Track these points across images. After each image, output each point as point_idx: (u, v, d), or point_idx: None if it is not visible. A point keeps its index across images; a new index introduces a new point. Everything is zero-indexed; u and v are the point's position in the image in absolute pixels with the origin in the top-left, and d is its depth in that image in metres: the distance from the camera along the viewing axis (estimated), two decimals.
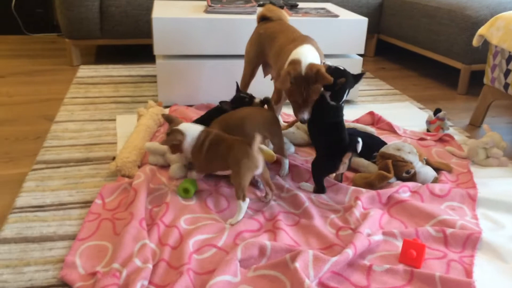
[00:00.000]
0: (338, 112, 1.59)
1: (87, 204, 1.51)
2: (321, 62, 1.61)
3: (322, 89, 1.57)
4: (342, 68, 1.57)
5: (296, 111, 1.57)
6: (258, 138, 1.40)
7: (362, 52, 2.52)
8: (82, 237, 1.33)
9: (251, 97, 1.79)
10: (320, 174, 1.62)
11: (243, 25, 2.34)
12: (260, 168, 1.44)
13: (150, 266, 1.18)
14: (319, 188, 1.61)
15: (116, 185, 1.57)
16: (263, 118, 1.65)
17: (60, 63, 3.14)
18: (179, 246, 1.29)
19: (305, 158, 1.88)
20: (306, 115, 1.55)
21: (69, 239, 1.34)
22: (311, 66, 1.49)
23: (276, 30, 1.83)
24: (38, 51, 3.45)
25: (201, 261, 1.25)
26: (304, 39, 1.68)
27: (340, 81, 1.51)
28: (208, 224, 1.40)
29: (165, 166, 1.72)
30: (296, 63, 1.51)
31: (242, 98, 1.77)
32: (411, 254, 1.28)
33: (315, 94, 1.53)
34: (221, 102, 1.76)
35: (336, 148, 1.57)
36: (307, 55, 1.54)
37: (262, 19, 1.99)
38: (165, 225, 1.37)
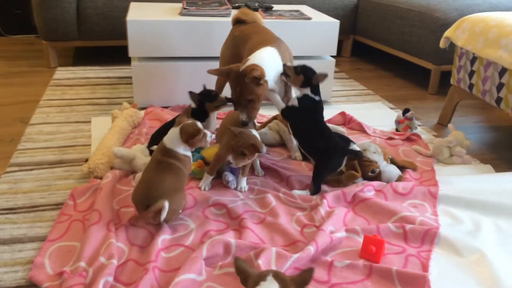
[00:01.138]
0: (321, 108, 1.70)
1: (59, 206, 1.54)
2: (288, 64, 1.68)
3: (302, 88, 1.65)
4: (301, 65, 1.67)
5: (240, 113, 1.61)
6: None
7: (334, 53, 2.57)
8: (52, 238, 1.36)
9: (217, 93, 1.87)
10: (324, 176, 1.66)
11: (217, 28, 2.38)
12: None
13: (115, 262, 1.22)
14: (317, 189, 1.64)
15: (87, 187, 1.60)
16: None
17: (38, 65, 3.14)
18: (148, 244, 1.33)
19: (276, 158, 1.93)
20: (243, 116, 1.58)
21: (39, 241, 1.37)
22: (251, 65, 1.56)
23: (250, 32, 1.89)
24: (15, 53, 3.44)
25: (168, 259, 1.29)
26: (272, 41, 1.73)
27: (316, 77, 1.64)
28: (175, 224, 1.44)
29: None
30: (244, 63, 1.59)
31: (209, 92, 1.86)
32: (370, 250, 1.33)
33: (248, 93, 1.55)
34: (189, 92, 1.85)
35: (337, 146, 1.64)
36: (262, 57, 1.61)
37: (237, 22, 2.03)
38: (133, 226, 1.41)
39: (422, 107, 2.66)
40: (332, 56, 2.64)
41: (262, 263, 1.22)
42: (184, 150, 1.42)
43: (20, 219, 1.47)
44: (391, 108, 2.59)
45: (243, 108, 1.60)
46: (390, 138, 2.14)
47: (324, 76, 1.65)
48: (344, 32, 3.52)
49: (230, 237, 1.35)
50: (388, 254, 1.36)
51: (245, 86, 1.55)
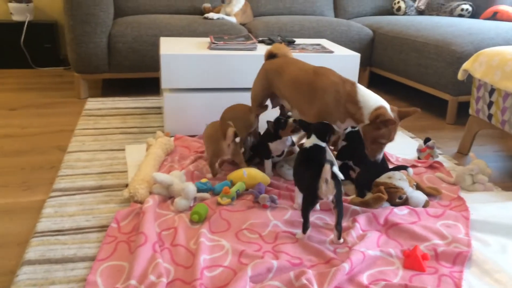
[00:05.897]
0: None
1: (103, 228, 1.63)
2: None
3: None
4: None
5: (375, 153, 1.76)
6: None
7: None
8: (101, 258, 1.44)
9: (286, 120, 1.98)
10: (364, 181, 1.89)
11: (244, 61, 2.51)
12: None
13: (164, 280, 1.30)
14: (361, 194, 1.87)
15: (129, 210, 1.69)
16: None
17: (68, 96, 3.29)
18: (192, 265, 1.41)
19: None
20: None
21: (89, 260, 1.45)
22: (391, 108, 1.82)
23: (282, 63, 2.00)
24: (46, 85, 3.60)
25: (211, 278, 1.36)
26: (318, 70, 1.87)
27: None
28: (213, 246, 1.52)
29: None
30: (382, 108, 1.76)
31: (279, 119, 1.99)
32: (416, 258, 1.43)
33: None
34: (267, 121, 1.99)
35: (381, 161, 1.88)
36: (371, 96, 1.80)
37: (270, 56, 2.14)
38: (176, 247, 1.49)
39: (441, 137, 2.74)
40: None
41: (306, 280, 1.29)
42: None
43: (69, 240, 1.55)
44: (411, 138, 2.67)
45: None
46: (413, 166, 2.22)
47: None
48: (361, 64, 3.64)
49: (269, 258, 1.43)
50: (421, 274, 1.42)
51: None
